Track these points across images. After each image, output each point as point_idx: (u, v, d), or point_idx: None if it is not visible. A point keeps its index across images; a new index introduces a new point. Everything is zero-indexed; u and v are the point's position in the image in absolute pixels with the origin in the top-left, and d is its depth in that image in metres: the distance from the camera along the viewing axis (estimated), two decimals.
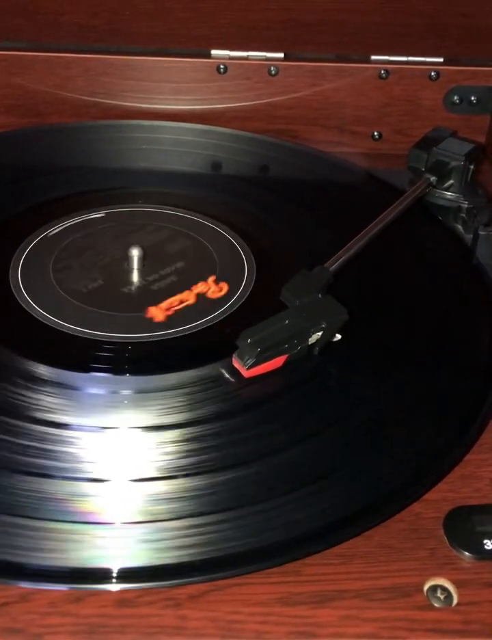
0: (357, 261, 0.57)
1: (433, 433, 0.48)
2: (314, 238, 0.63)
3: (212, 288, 0.55)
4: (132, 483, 0.44)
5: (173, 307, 0.54)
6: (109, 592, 0.39)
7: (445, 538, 0.43)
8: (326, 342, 0.51)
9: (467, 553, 0.42)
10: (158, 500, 0.43)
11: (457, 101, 0.77)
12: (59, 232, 0.62)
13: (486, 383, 0.51)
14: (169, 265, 0.59)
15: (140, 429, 0.47)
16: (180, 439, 0.46)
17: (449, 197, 0.66)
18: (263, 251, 0.61)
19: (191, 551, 0.40)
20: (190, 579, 0.40)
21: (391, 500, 0.44)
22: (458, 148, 0.66)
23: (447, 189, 0.66)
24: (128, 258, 0.58)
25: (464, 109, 0.78)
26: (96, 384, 0.49)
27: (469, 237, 0.63)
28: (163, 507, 0.42)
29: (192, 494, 0.43)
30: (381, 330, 0.54)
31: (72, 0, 0.75)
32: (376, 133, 0.79)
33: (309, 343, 0.50)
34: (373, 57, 0.77)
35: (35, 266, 0.58)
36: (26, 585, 0.39)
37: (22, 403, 0.47)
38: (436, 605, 0.40)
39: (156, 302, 0.55)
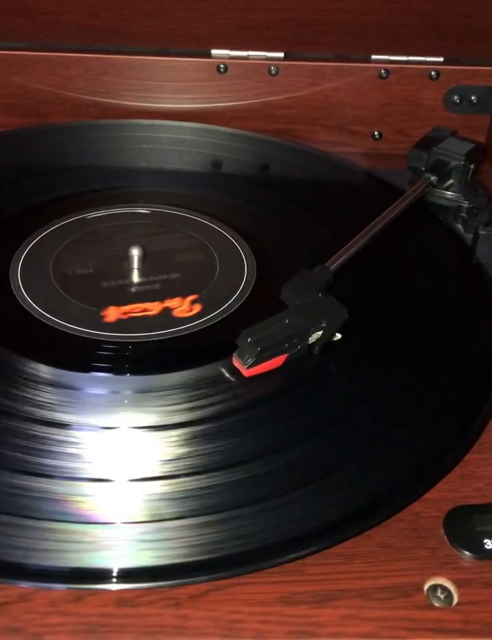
0: (357, 261, 0.57)
1: (433, 433, 0.48)
2: (314, 237, 0.63)
3: (183, 306, 0.54)
4: (132, 482, 0.44)
5: (132, 313, 0.54)
6: (109, 592, 0.39)
7: (446, 537, 0.43)
8: (326, 341, 0.51)
9: (467, 552, 0.42)
10: (159, 499, 0.43)
11: (457, 101, 0.77)
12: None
13: (486, 383, 0.51)
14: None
15: (140, 429, 0.47)
16: (180, 438, 0.46)
17: (450, 196, 0.66)
18: (263, 250, 0.61)
19: (192, 551, 0.40)
20: (191, 579, 0.40)
21: (392, 500, 0.44)
22: (459, 148, 0.66)
23: (447, 189, 0.66)
24: (128, 258, 0.58)
25: (464, 108, 0.78)
26: (96, 384, 0.49)
27: (469, 237, 0.63)
28: (163, 506, 0.42)
29: (192, 493, 0.43)
30: (381, 330, 0.54)
31: (73, 0, 0.75)
32: (376, 133, 0.79)
33: (310, 342, 0.50)
34: (373, 57, 0.77)
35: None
36: (26, 585, 0.39)
37: (23, 403, 0.47)
38: (436, 605, 0.40)
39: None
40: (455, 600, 0.40)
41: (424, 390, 0.50)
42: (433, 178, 0.65)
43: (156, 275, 0.58)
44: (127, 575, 0.40)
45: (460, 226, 0.65)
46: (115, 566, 0.40)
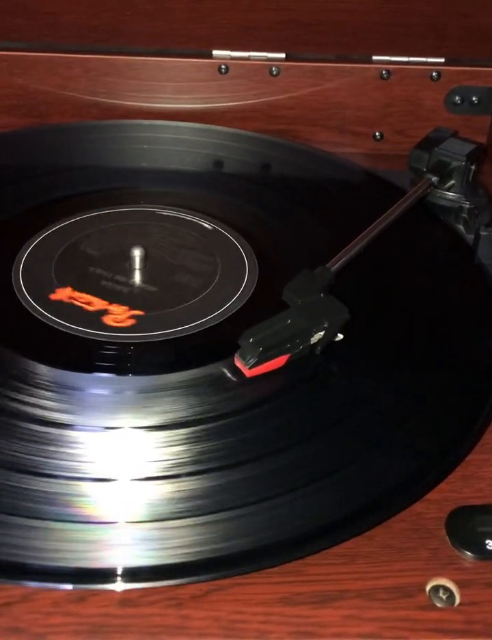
0: (358, 261, 0.57)
1: (434, 433, 0.48)
2: (315, 238, 0.63)
3: (119, 316, 0.54)
4: (134, 482, 0.44)
5: (74, 299, 0.54)
6: (112, 592, 0.39)
7: (447, 538, 0.43)
8: (328, 341, 0.51)
9: (469, 553, 0.42)
10: (161, 499, 0.43)
11: (458, 101, 0.77)
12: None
13: (488, 383, 0.51)
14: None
15: (142, 429, 0.47)
16: (182, 438, 0.46)
17: (451, 197, 0.66)
18: (264, 250, 0.61)
19: (193, 550, 0.40)
20: (193, 578, 0.40)
21: (392, 500, 0.44)
22: (460, 149, 0.66)
23: (448, 190, 0.66)
24: (129, 258, 0.58)
25: (465, 109, 0.78)
26: (98, 384, 0.49)
27: (470, 237, 0.63)
28: (165, 506, 0.42)
29: (194, 493, 0.43)
30: (383, 330, 0.54)
31: (73, 0, 0.75)
32: (377, 133, 0.79)
33: (311, 343, 0.50)
34: (374, 58, 0.77)
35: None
36: (29, 585, 0.39)
37: (25, 403, 0.47)
38: (438, 605, 0.40)
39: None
40: (457, 601, 0.40)
41: (425, 390, 0.50)
42: (434, 178, 0.65)
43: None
44: (129, 575, 0.40)
45: (461, 227, 0.65)
46: (118, 566, 0.40)
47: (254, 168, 0.72)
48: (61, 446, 0.45)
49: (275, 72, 0.77)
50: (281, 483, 0.44)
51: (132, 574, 0.40)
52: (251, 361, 0.49)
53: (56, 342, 0.52)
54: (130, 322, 0.53)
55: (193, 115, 0.78)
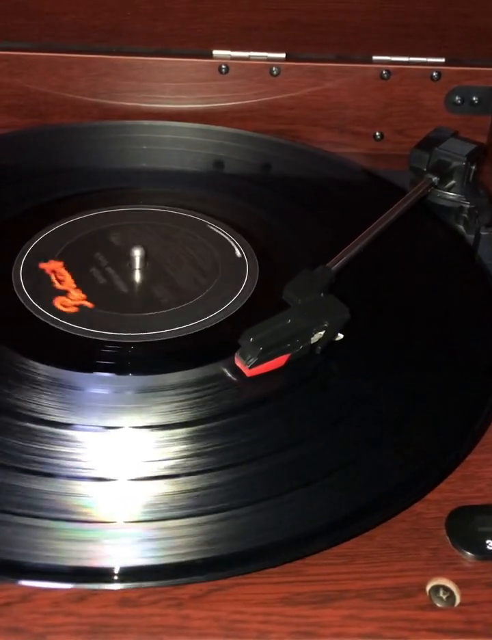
0: (359, 261, 0.57)
1: (434, 433, 0.48)
2: (316, 237, 0.63)
3: (71, 300, 0.54)
4: (134, 482, 0.44)
5: (55, 272, 0.56)
6: (112, 592, 0.39)
7: (448, 538, 0.43)
8: (328, 341, 0.51)
9: (469, 553, 0.42)
10: (160, 499, 0.43)
11: (459, 101, 0.77)
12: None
13: (488, 383, 0.51)
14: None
15: (142, 429, 0.47)
16: (182, 438, 0.46)
17: (451, 197, 0.66)
18: (264, 250, 0.61)
19: (193, 550, 0.40)
20: (193, 578, 0.40)
21: (393, 500, 0.44)
22: (460, 149, 0.66)
23: (448, 190, 0.66)
24: (130, 258, 0.58)
25: (465, 109, 0.78)
26: (98, 384, 0.50)
27: (470, 237, 0.63)
28: (165, 506, 0.42)
29: (194, 493, 0.43)
30: (383, 330, 0.54)
31: (73, 0, 0.75)
32: (377, 133, 0.79)
33: (312, 342, 0.50)
34: (374, 57, 0.77)
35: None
36: (28, 584, 0.39)
37: (25, 403, 0.47)
38: (438, 605, 0.40)
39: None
40: (457, 601, 0.40)
41: (425, 390, 0.50)
42: (435, 178, 0.65)
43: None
44: (129, 574, 0.40)
45: (461, 227, 0.65)
46: (117, 565, 0.40)
47: (254, 168, 0.72)
48: (61, 446, 0.45)
49: (275, 72, 0.77)
50: (281, 482, 0.44)
51: (131, 573, 0.40)
52: (251, 361, 0.49)
53: (56, 341, 0.52)
54: (74, 310, 0.54)
55: (193, 115, 0.78)
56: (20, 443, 0.45)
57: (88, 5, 0.75)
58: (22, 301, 0.55)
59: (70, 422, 0.46)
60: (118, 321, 0.54)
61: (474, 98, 0.77)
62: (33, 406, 0.47)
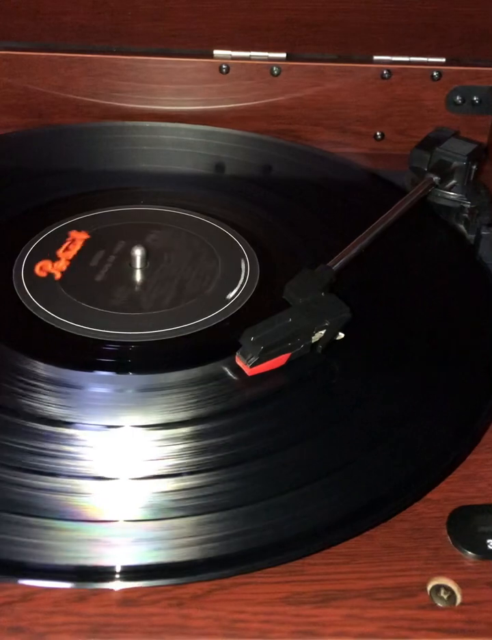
0: (359, 260, 0.57)
1: (435, 433, 0.48)
2: (317, 237, 0.63)
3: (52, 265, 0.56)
4: (135, 481, 0.44)
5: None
6: (113, 591, 0.39)
7: (449, 538, 0.43)
8: (329, 340, 0.51)
9: (470, 553, 0.42)
10: (161, 498, 0.43)
11: (459, 101, 0.77)
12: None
13: (489, 383, 0.51)
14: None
15: (143, 428, 0.47)
16: (183, 437, 0.46)
17: (452, 197, 0.66)
18: (265, 250, 0.61)
19: (194, 549, 0.40)
20: (193, 577, 0.40)
21: (394, 499, 0.44)
22: (461, 148, 0.66)
23: (449, 189, 0.66)
24: (130, 258, 0.58)
25: (466, 109, 0.77)
26: (99, 383, 0.49)
27: (471, 237, 0.63)
28: (166, 505, 0.42)
29: (195, 492, 0.43)
30: (383, 329, 0.54)
31: (74, 0, 0.75)
32: (378, 133, 0.79)
33: (312, 342, 0.50)
34: (375, 57, 0.77)
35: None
36: (29, 583, 0.39)
37: (26, 402, 0.47)
38: (439, 605, 0.40)
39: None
40: (458, 600, 0.40)
41: (426, 389, 0.50)
42: (435, 178, 0.65)
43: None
44: (130, 573, 0.40)
45: (462, 227, 0.65)
46: (118, 564, 0.40)
47: (255, 168, 0.72)
48: (62, 445, 0.45)
49: (275, 72, 0.77)
50: (281, 481, 0.44)
51: (132, 572, 0.40)
52: (252, 360, 0.49)
53: (57, 341, 0.52)
54: (44, 274, 0.56)
55: (193, 115, 0.78)
56: (21, 442, 0.45)
57: (88, 5, 0.75)
58: (23, 301, 0.55)
59: (70, 421, 0.46)
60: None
61: (475, 98, 0.77)
62: (35, 405, 0.47)
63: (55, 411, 0.47)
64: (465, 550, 0.42)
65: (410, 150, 0.69)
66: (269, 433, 0.46)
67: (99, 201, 0.66)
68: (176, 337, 0.52)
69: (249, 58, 0.77)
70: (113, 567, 0.40)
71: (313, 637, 0.38)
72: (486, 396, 0.50)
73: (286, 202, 0.67)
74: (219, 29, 0.76)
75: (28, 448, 0.45)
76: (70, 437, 0.46)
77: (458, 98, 0.77)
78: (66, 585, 0.39)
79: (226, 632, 0.38)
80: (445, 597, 0.40)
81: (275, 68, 0.77)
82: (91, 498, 0.43)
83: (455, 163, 0.66)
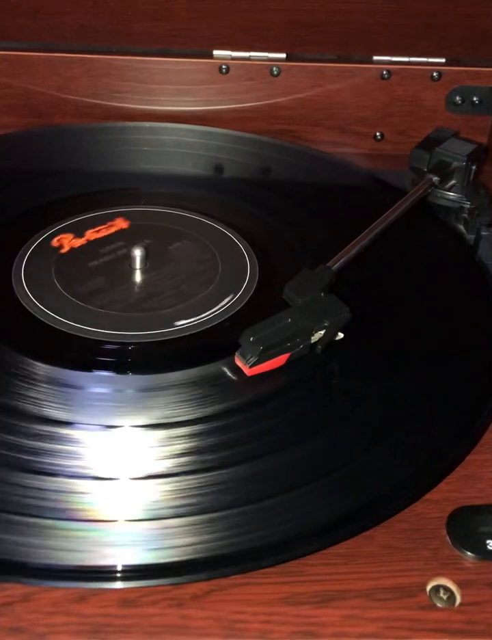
0: (359, 261, 0.57)
1: (435, 433, 0.48)
2: (316, 238, 0.63)
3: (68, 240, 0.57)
4: (134, 481, 0.44)
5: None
6: (113, 592, 0.39)
7: (448, 538, 0.43)
8: (328, 340, 0.51)
9: (469, 553, 0.42)
10: (161, 498, 0.43)
11: (459, 102, 0.77)
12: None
13: (488, 383, 0.51)
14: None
15: (143, 428, 0.47)
16: (182, 437, 0.46)
17: (452, 197, 0.66)
18: (265, 251, 0.61)
19: (193, 549, 0.40)
20: (193, 576, 0.40)
21: (394, 500, 0.44)
22: (461, 149, 0.66)
23: (449, 190, 0.66)
24: (130, 258, 0.58)
25: (466, 109, 0.78)
26: (98, 383, 0.50)
27: (470, 238, 0.63)
28: (166, 505, 0.42)
29: (194, 492, 0.43)
30: (383, 329, 0.54)
31: (74, 0, 0.75)
32: (378, 134, 0.79)
33: (312, 342, 0.50)
34: (375, 58, 0.77)
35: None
36: (29, 583, 0.39)
37: (26, 402, 0.47)
38: (439, 605, 0.40)
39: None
40: (458, 601, 0.40)
41: (425, 389, 0.50)
42: (435, 178, 0.65)
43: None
44: (130, 573, 0.40)
45: (462, 227, 0.65)
46: (118, 564, 0.40)
47: (254, 169, 0.72)
48: (62, 445, 0.45)
49: (275, 73, 0.77)
50: (281, 481, 0.44)
51: (132, 572, 0.40)
52: (251, 360, 0.49)
53: (56, 341, 0.52)
54: (57, 245, 0.58)
55: (193, 116, 0.78)
56: (21, 442, 0.45)
57: (88, 5, 0.75)
58: (23, 302, 0.55)
59: (70, 421, 0.46)
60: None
61: (475, 98, 0.77)
62: (34, 405, 0.47)
63: (54, 411, 0.47)
64: (465, 551, 0.42)
65: (410, 151, 0.69)
66: (268, 433, 0.46)
67: (98, 201, 0.66)
68: (175, 337, 0.53)
69: (248, 58, 0.77)
70: (113, 567, 0.40)
71: (313, 637, 0.38)
72: (486, 397, 0.50)
73: (286, 202, 0.67)
74: (218, 30, 0.76)
75: (28, 448, 0.45)
76: (70, 437, 0.46)
77: (458, 98, 0.77)
78: (67, 585, 0.39)
79: (226, 633, 0.38)
80: (445, 597, 0.40)
81: (274, 69, 0.77)
82: (90, 498, 0.43)
83: (455, 164, 0.66)
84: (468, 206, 0.65)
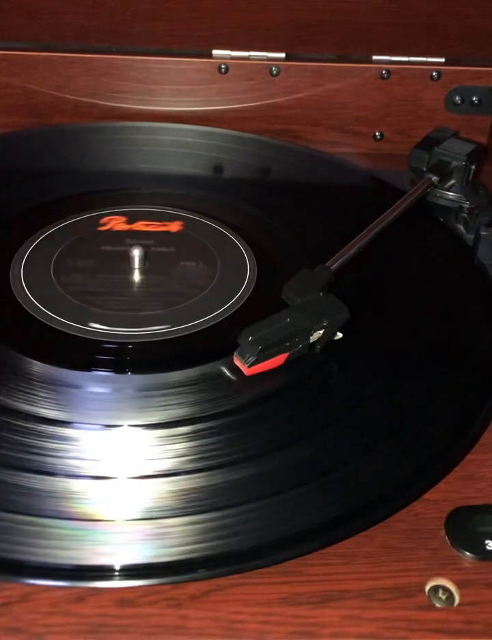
0: (358, 260, 0.57)
1: (434, 433, 0.48)
2: (315, 238, 0.63)
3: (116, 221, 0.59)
4: (133, 480, 0.44)
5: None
6: (111, 592, 0.39)
7: (447, 538, 0.43)
8: (327, 340, 0.51)
9: (468, 553, 0.42)
10: (159, 498, 0.43)
11: (459, 101, 0.77)
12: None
13: (487, 383, 0.51)
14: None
15: (141, 427, 0.47)
16: (181, 437, 0.46)
17: (451, 197, 0.66)
18: (264, 251, 0.61)
19: (192, 549, 0.40)
20: (191, 575, 0.40)
21: (393, 500, 0.44)
22: (460, 148, 0.66)
23: (448, 189, 0.66)
24: (129, 258, 0.58)
25: (465, 109, 0.78)
26: (97, 383, 0.49)
27: (470, 238, 0.63)
28: (164, 504, 0.42)
29: (193, 492, 0.43)
30: (382, 329, 0.54)
31: (74, 0, 0.75)
32: (377, 133, 0.79)
33: (311, 341, 0.50)
34: (374, 57, 0.77)
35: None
36: (27, 582, 0.39)
37: (25, 402, 0.47)
38: (437, 605, 0.40)
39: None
40: (456, 601, 0.40)
41: (424, 389, 0.50)
42: (435, 178, 0.65)
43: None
44: (128, 572, 0.40)
45: (461, 227, 0.65)
46: (116, 563, 0.40)
47: (253, 169, 0.72)
48: (60, 444, 0.45)
49: (275, 72, 0.77)
50: (280, 481, 0.44)
51: (130, 571, 0.40)
52: (250, 359, 0.48)
53: (55, 340, 0.52)
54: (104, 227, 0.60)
55: (192, 116, 0.78)
56: (20, 441, 0.45)
57: (88, 5, 0.75)
58: (22, 301, 0.55)
59: (69, 420, 0.46)
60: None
61: (474, 98, 0.77)
62: (33, 405, 0.47)
63: (54, 410, 0.47)
64: (464, 551, 0.42)
65: (409, 150, 0.69)
66: (267, 433, 0.46)
67: (98, 201, 0.66)
68: (175, 337, 0.53)
69: (248, 58, 0.77)
70: (111, 566, 0.40)
71: (312, 638, 0.38)
72: (485, 397, 0.50)
73: (285, 202, 0.67)
74: (218, 29, 0.76)
75: (27, 448, 0.45)
76: (69, 436, 0.46)
77: (457, 98, 0.77)
78: (65, 584, 0.39)
79: (224, 633, 0.38)
80: (444, 597, 0.40)
81: (274, 68, 0.77)
82: (89, 498, 0.43)
83: (454, 163, 0.66)
84: (467, 205, 0.65)
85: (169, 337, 0.52)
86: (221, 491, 0.43)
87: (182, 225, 0.62)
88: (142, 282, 0.58)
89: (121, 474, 0.44)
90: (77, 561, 0.40)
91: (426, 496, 0.45)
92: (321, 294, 0.52)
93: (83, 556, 0.40)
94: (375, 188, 0.70)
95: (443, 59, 0.77)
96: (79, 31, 0.77)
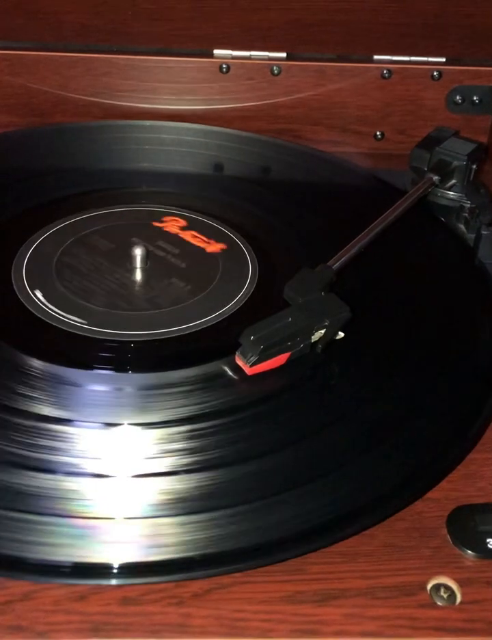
0: (359, 260, 0.57)
1: (435, 432, 0.48)
2: (316, 237, 0.63)
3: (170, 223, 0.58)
4: (134, 479, 0.44)
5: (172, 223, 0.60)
6: (113, 590, 0.39)
7: (449, 537, 0.43)
8: (329, 340, 0.51)
9: (470, 552, 0.42)
10: (160, 496, 0.43)
11: (459, 101, 0.77)
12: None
13: (488, 382, 0.51)
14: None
15: (143, 426, 0.47)
16: (183, 435, 0.46)
17: (452, 196, 0.66)
18: (265, 250, 0.61)
19: (193, 547, 0.40)
20: (192, 574, 0.40)
21: (394, 498, 0.44)
22: (461, 148, 0.66)
23: (449, 189, 0.66)
24: (131, 257, 0.58)
25: (466, 109, 0.78)
26: (98, 382, 0.50)
27: (471, 237, 0.63)
28: (165, 503, 0.42)
29: (195, 490, 0.43)
30: (384, 329, 0.54)
31: (74, 0, 0.75)
32: (378, 133, 0.79)
33: (312, 341, 0.50)
34: (375, 57, 0.77)
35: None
36: (29, 580, 0.39)
37: (26, 400, 0.47)
38: (439, 604, 0.40)
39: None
40: (458, 599, 0.40)
41: (426, 388, 0.50)
42: (435, 177, 0.65)
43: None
44: (129, 570, 0.40)
45: (462, 226, 0.65)
46: (117, 562, 0.40)
47: (255, 168, 0.72)
48: (61, 442, 0.45)
49: (276, 72, 0.77)
50: (281, 480, 0.44)
51: (131, 570, 0.40)
52: (252, 359, 0.49)
53: (56, 339, 0.52)
54: (162, 225, 0.61)
55: (194, 115, 0.78)
56: (20, 440, 0.45)
57: (89, 4, 0.75)
58: (23, 301, 0.55)
59: (70, 419, 0.46)
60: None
61: (475, 98, 0.77)
62: (34, 403, 0.47)
63: (54, 409, 0.47)
64: (465, 549, 0.42)
65: (410, 150, 0.69)
66: (268, 432, 0.46)
67: (98, 201, 0.66)
68: (176, 336, 0.53)
69: (249, 58, 0.77)
70: (112, 565, 0.40)
71: (314, 636, 0.38)
72: (486, 395, 0.50)
73: (286, 201, 0.67)
74: (219, 29, 0.76)
75: (27, 446, 0.45)
76: (69, 435, 0.46)
77: (458, 97, 0.77)
78: (66, 582, 0.39)
79: (226, 631, 0.38)
80: (445, 596, 0.40)
81: (275, 68, 0.77)
82: (90, 496, 0.43)
83: (455, 163, 0.66)
84: (468, 205, 0.65)
85: (170, 336, 0.53)
86: (223, 489, 0.43)
87: (222, 249, 0.60)
88: (143, 281, 0.58)
89: (123, 473, 0.44)
90: (80, 559, 0.40)
91: (428, 494, 0.45)
92: (322, 293, 0.52)
93: (86, 555, 0.40)
94: (376, 187, 0.70)
95: (444, 59, 0.77)
96: (80, 30, 0.77)
